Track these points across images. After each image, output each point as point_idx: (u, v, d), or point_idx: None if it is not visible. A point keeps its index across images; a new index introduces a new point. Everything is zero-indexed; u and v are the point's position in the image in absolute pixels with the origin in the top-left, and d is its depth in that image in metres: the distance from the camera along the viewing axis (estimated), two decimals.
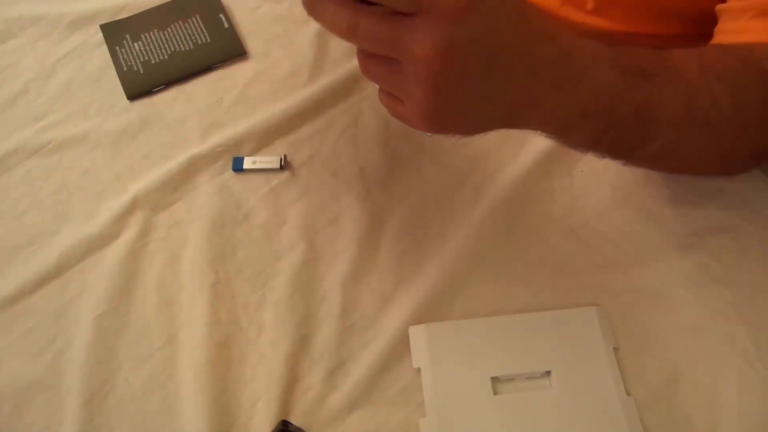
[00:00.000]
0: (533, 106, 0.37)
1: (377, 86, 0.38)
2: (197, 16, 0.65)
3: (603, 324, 0.46)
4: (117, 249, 0.52)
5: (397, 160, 0.55)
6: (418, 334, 0.47)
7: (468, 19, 0.32)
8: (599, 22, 0.63)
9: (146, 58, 0.63)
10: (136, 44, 0.64)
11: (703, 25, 0.53)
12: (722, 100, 0.43)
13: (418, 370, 0.45)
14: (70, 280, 0.51)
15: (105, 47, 0.64)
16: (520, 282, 0.49)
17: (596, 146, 0.43)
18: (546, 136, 0.41)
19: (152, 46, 0.63)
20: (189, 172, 0.56)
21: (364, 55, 0.36)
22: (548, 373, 0.45)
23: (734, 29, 0.49)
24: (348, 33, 0.34)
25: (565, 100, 0.37)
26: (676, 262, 0.49)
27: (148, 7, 0.66)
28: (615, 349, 0.46)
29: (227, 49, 0.63)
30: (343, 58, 0.61)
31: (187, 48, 0.63)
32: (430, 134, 0.57)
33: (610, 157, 0.45)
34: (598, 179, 0.53)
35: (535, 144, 0.55)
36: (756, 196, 0.51)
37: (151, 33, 0.64)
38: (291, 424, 0.43)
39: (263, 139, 0.57)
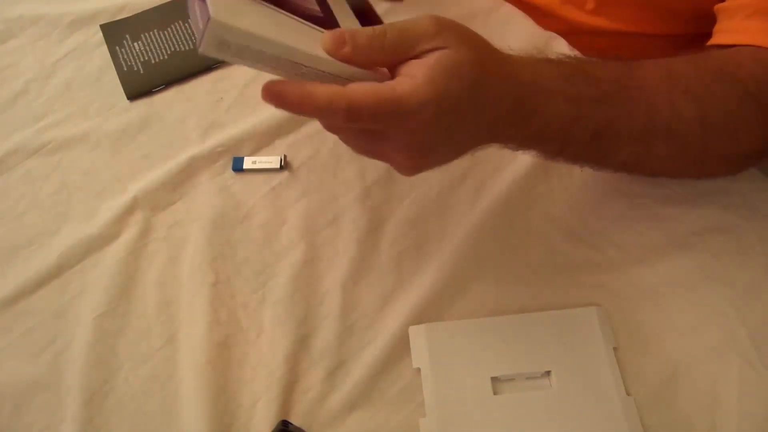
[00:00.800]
0: (492, 140, 0.42)
1: None
2: None
3: (603, 324, 0.46)
4: (117, 249, 0.52)
5: None
6: (418, 334, 0.47)
7: (434, 126, 0.37)
8: (599, 22, 0.63)
9: (146, 58, 0.63)
10: (136, 44, 0.64)
11: (703, 25, 0.53)
12: (686, 112, 0.44)
13: (418, 370, 0.45)
14: (70, 280, 0.51)
15: (105, 47, 0.64)
16: (520, 282, 0.49)
17: (559, 158, 0.46)
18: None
19: (152, 46, 0.63)
20: (189, 172, 0.56)
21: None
22: (548, 373, 0.45)
23: (729, 28, 0.49)
24: (330, 131, 0.41)
25: (519, 132, 0.42)
26: (676, 262, 0.49)
27: (148, 7, 0.66)
28: (615, 349, 0.46)
29: None
30: None
31: (187, 48, 0.63)
32: None
33: (578, 165, 0.48)
34: (597, 179, 0.53)
35: None
36: (756, 196, 0.51)
37: (151, 33, 0.64)
38: (291, 424, 0.43)
39: (263, 139, 0.57)
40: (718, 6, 0.51)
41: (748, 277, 0.48)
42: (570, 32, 0.62)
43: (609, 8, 0.63)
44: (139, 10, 0.66)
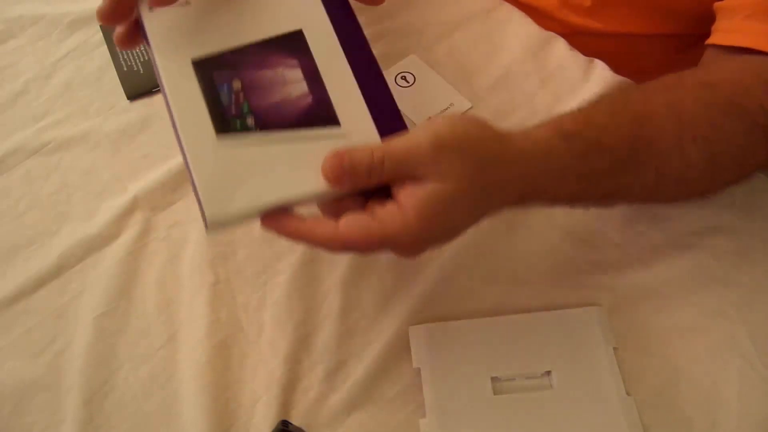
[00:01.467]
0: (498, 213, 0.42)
1: None
2: None
3: (603, 324, 0.46)
4: (117, 249, 0.52)
5: None
6: (418, 334, 0.47)
7: (428, 242, 0.39)
8: (598, 25, 0.63)
9: (146, 58, 0.63)
10: None
11: (702, 25, 0.53)
12: (696, 158, 0.44)
13: (418, 370, 0.45)
14: (70, 280, 0.51)
15: (105, 47, 0.64)
16: (520, 282, 0.49)
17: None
18: None
19: None
20: None
21: None
22: (548, 373, 0.45)
23: (729, 28, 0.49)
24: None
25: (527, 207, 0.43)
26: (676, 262, 0.49)
27: None
28: (615, 349, 0.46)
29: None
30: None
31: None
32: None
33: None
34: None
35: None
36: (756, 196, 0.51)
37: None
38: (291, 424, 0.43)
39: None
40: (718, 4, 0.51)
41: (747, 277, 0.48)
42: (568, 34, 0.62)
43: (607, 10, 0.63)
44: None
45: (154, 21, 0.42)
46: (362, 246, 0.38)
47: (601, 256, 0.50)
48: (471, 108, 0.58)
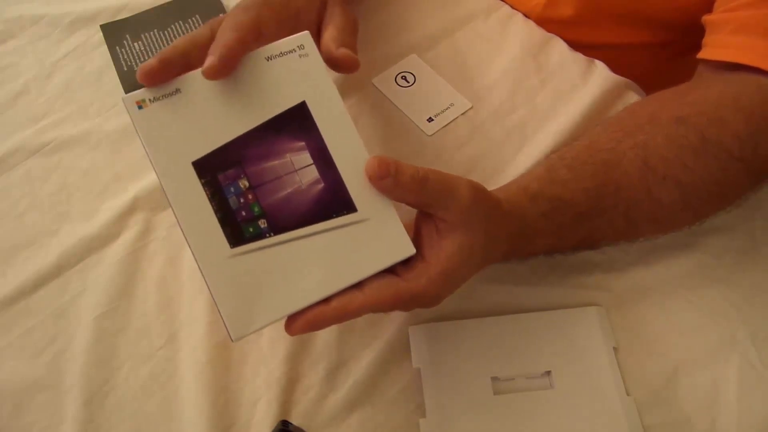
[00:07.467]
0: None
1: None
2: (197, 16, 0.65)
3: (603, 324, 0.46)
4: (117, 249, 0.52)
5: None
6: (418, 334, 0.47)
7: (451, 287, 0.40)
8: (581, 36, 0.62)
9: (146, 58, 0.63)
10: (136, 44, 0.64)
11: (692, 34, 0.53)
12: (667, 198, 0.46)
13: (418, 370, 0.45)
14: (70, 280, 0.51)
15: (105, 47, 0.64)
16: (520, 282, 0.49)
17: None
18: None
19: (152, 46, 0.63)
20: None
21: None
22: (548, 373, 0.45)
23: (715, 43, 0.50)
24: None
25: (507, 261, 0.48)
26: (676, 262, 0.49)
27: (148, 7, 0.66)
28: (615, 349, 0.46)
29: None
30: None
31: None
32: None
33: None
34: None
35: (536, 144, 0.55)
36: (756, 196, 0.51)
37: (151, 33, 0.64)
38: (291, 424, 0.43)
39: None
40: (706, 17, 0.51)
41: (748, 277, 0.48)
42: None
43: (589, 23, 0.62)
44: (139, 10, 0.66)
45: (146, 120, 0.39)
46: (390, 306, 0.39)
47: (601, 256, 0.50)
48: (471, 108, 0.58)
